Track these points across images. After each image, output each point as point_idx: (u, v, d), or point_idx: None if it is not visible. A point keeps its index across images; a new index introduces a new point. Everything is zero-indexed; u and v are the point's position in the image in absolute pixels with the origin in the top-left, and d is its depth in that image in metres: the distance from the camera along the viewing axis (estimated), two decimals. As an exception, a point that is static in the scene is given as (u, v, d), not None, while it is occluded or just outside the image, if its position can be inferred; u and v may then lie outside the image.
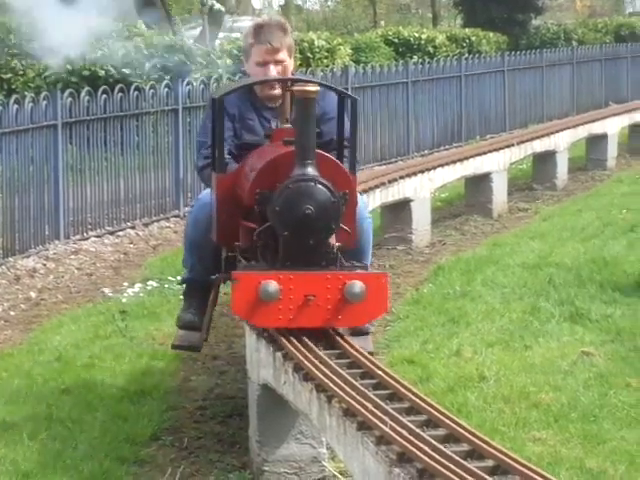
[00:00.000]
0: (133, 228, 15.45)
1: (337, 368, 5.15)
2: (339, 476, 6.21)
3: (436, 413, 4.46)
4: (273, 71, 6.76)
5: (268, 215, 5.51)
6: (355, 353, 5.44)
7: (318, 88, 5.52)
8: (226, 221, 6.13)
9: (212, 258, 6.79)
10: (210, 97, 7.21)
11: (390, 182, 12.96)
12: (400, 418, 4.37)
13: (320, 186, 5.42)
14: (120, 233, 15.10)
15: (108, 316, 10.89)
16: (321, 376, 5.07)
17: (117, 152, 15.34)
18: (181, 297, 7.31)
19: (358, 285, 5.25)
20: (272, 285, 5.18)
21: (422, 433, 4.24)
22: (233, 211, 6.10)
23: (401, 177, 13.17)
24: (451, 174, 15.23)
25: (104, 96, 15.09)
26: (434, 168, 14.73)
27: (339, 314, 5.35)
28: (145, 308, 11.19)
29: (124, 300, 11.62)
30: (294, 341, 5.58)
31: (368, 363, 5.21)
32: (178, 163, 15.99)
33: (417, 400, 4.59)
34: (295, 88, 5.49)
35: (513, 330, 9.30)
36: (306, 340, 5.68)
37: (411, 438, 4.13)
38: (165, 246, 15.04)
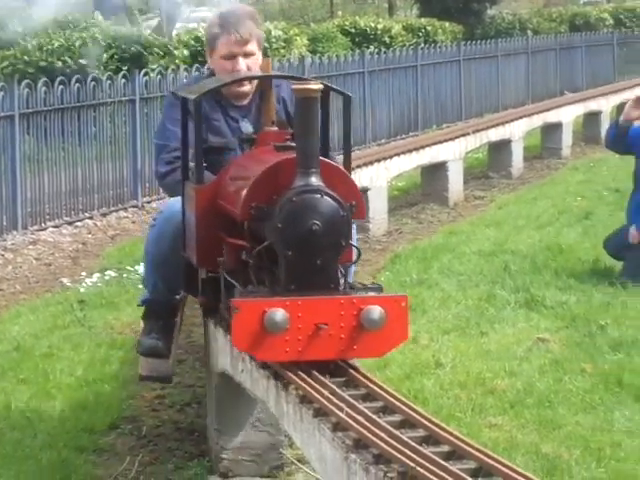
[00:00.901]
0: (91, 218, 15.43)
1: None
2: (297, 463, 6.15)
3: (392, 399, 4.33)
4: (242, 64, 6.05)
5: (267, 232, 4.79)
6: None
7: (321, 86, 4.78)
8: (207, 239, 5.36)
9: (177, 276, 5.94)
10: (170, 94, 6.40)
11: (347, 171, 12.95)
12: (357, 405, 4.28)
13: (327, 198, 4.65)
14: (78, 223, 15.09)
15: (66, 306, 10.82)
16: (277, 363, 4.65)
17: (74, 143, 15.23)
18: (141, 320, 6.45)
19: (377, 311, 4.50)
20: (279, 314, 4.42)
21: (378, 419, 4.15)
22: (215, 227, 5.34)
23: (358, 166, 13.19)
24: (407, 163, 15.30)
25: (61, 87, 14.95)
26: (390, 157, 14.88)
27: (354, 344, 4.58)
28: (103, 298, 11.13)
29: (82, 290, 11.57)
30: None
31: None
32: (136, 153, 15.94)
33: (373, 387, 4.46)
34: (294, 87, 4.74)
35: (469, 317, 9.34)
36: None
37: (367, 424, 4.06)
38: (123, 236, 14.94)
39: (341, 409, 4.15)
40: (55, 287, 11.93)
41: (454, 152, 16.10)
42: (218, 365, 5.68)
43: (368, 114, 21.12)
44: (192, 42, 18.60)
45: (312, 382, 4.39)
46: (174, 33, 22.82)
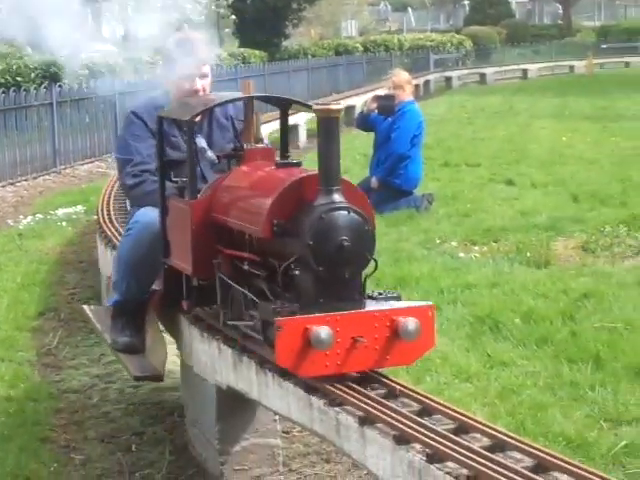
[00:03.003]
0: (26, 180, 15.25)
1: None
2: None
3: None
4: (199, 84, 4.87)
5: (295, 248, 3.61)
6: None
7: (342, 107, 3.59)
8: (202, 250, 4.05)
9: (150, 278, 4.78)
10: (131, 113, 5.03)
11: None
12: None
13: (354, 214, 3.56)
14: (18, 184, 15.18)
15: (10, 238, 10.63)
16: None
17: (14, 131, 15.11)
18: (111, 320, 5.14)
19: (412, 322, 3.40)
20: (324, 331, 3.29)
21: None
22: (210, 239, 4.05)
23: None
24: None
25: (3, 95, 14.98)
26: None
27: (387, 354, 3.44)
28: (35, 232, 10.91)
29: (21, 227, 11.39)
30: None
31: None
32: (54, 138, 16.16)
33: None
34: (317, 107, 3.53)
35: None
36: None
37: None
38: (47, 192, 14.65)
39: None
40: (2, 226, 11.66)
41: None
42: (219, 379, 4.12)
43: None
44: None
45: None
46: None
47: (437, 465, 2.72)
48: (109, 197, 8.68)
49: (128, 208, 5.88)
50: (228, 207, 3.97)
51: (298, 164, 3.90)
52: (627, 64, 39.03)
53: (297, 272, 3.49)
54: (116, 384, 5.86)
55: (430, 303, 3.45)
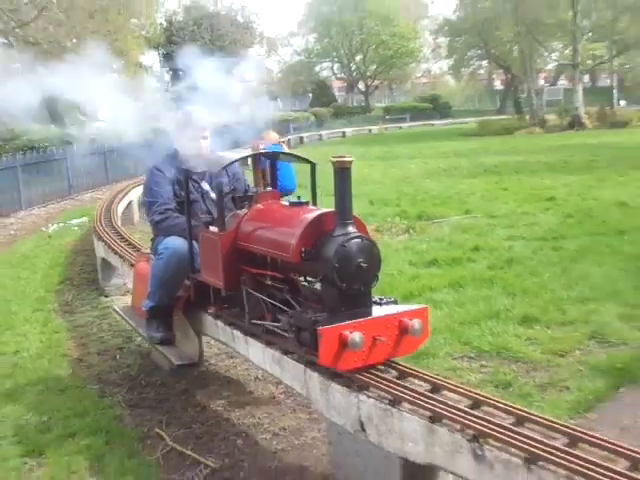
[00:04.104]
0: (52, 204, 16.91)
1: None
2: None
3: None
4: (202, 143, 4.84)
5: (321, 269, 3.55)
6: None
7: (352, 159, 3.53)
8: (231, 270, 4.06)
9: (176, 289, 4.82)
10: (154, 168, 4.96)
11: None
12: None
13: (367, 241, 3.54)
14: (48, 206, 16.37)
15: (43, 238, 11.85)
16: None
17: None
18: (146, 322, 5.03)
19: (418, 322, 3.40)
20: (358, 336, 3.24)
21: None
22: (236, 261, 4.05)
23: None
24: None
25: None
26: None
27: (398, 347, 3.43)
28: (58, 234, 12.13)
29: (50, 231, 12.68)
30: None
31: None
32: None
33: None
34: (333, 160, 3.46)
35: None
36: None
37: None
38: (65, 210, 15.82)
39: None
40: (38, 231, 12.92)
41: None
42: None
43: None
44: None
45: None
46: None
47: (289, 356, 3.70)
48: (101, 213, 10.13)
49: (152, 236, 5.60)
50: (253, 237, 4.05)
51: (307, 203, 4.00)
52: (400, 127, 49.37)
53: (322, 287, 3.61)
54: (107, 320, 6.65)
55: (425, 306, 3.58)
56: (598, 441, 2.61)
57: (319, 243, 3.59)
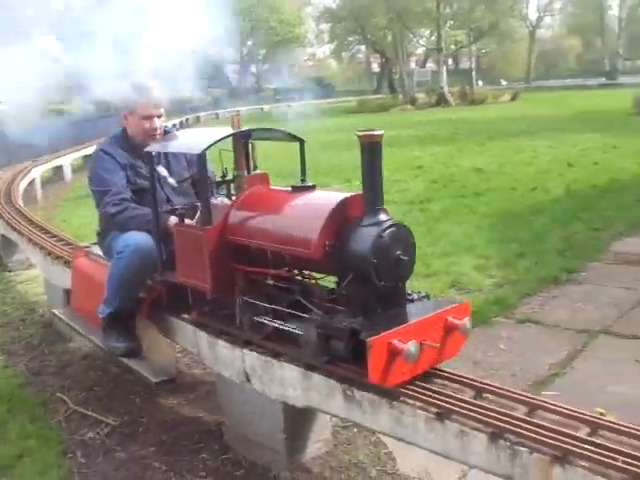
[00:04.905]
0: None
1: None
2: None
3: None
4: (157, 122, 3.93)
5: (356, 265, 2.70)
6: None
7: (383, 132, 2.65)
8: (220, 270, 3.13)
9: (137, 290, 3.86)
10: (100, 150, 3.95)
11: None
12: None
13: (403, 229, 2.76)
14: None
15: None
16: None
17: None
18: (102, 331, 4.09)
19: (468, 321, 2.70)
20: (414, 346, 2.51)
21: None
22: (226, 259, 3.14)
23: None
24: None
25: None
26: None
27: (444, 349, 2.71)
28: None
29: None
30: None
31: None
32: None
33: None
34: (360, 134, 2.61)
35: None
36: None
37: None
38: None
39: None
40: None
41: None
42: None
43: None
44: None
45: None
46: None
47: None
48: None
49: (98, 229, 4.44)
50: (249, 230, 3.12)
51: (313, 187, 3.12)
52: (289, 106, 49.20)
53: (349, 286, 2.75)
54: (10, 294, 6.23)
55: (465, 301, 2.86)
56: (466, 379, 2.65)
57: (344, 235, 2.77)
